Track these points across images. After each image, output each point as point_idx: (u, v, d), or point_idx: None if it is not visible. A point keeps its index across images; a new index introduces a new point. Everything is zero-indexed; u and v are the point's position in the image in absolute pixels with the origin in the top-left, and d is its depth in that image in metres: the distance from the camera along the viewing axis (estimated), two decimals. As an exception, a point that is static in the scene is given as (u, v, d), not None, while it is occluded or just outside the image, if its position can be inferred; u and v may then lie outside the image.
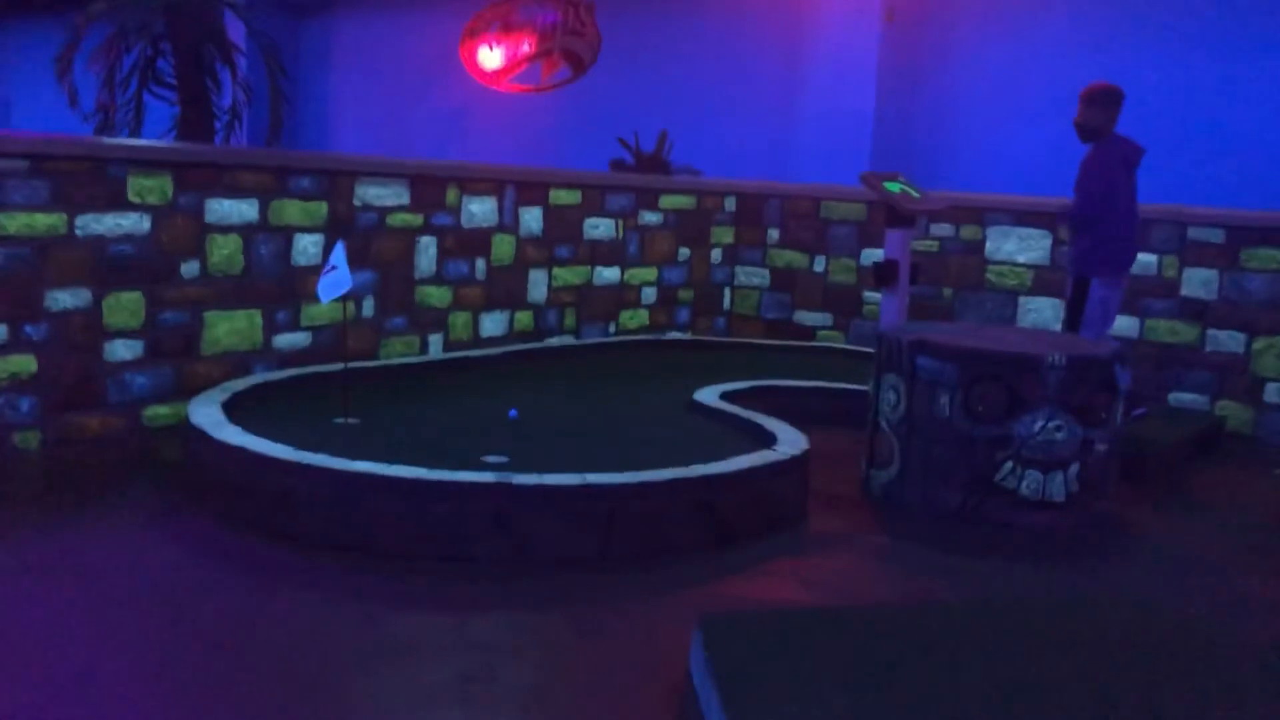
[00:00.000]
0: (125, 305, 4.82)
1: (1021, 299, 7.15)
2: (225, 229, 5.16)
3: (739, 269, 8.36)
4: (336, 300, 4.73)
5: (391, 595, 3.50)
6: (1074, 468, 4.49)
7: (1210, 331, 6.51)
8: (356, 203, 5.72)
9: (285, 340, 5.47)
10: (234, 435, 4.16)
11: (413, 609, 3.41)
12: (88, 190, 4.66)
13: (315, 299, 4.98)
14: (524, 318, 6.76)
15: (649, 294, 7.65)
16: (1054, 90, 8.54)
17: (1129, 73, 7.05)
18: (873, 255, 7.34)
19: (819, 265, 8.01)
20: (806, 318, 8.06)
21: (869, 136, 9.40)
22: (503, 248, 6.55)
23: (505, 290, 6.61)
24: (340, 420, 4.68)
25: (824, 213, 7.98)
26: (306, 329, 5.55)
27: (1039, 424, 4.43)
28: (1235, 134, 8.13)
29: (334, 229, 5.58)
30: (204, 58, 10.19)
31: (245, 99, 10.84)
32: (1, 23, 17.80)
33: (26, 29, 16.97)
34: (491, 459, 4.21)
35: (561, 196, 6.89)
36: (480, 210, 6.39)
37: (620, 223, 7.33)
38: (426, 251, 6.12)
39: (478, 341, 6.48)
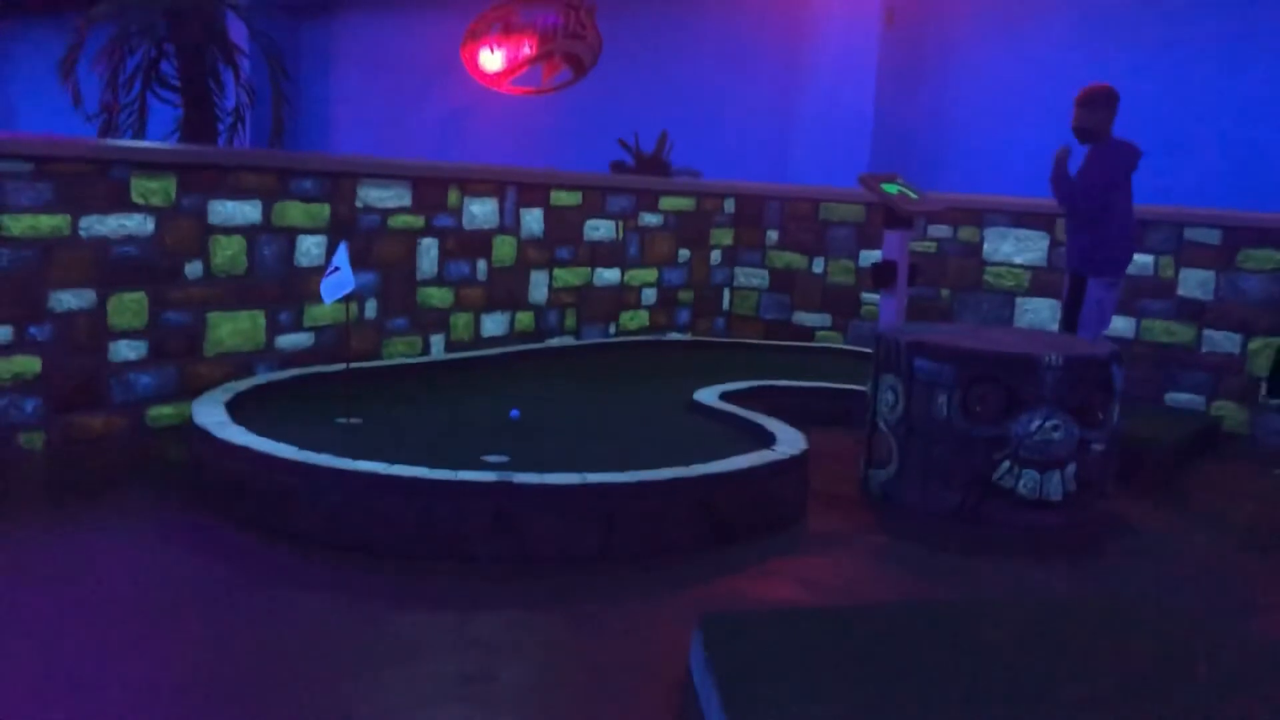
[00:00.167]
0: (129, 306, 4.85)
1: (1019, 300, 7.18)
2: (228, 230, 5.19)
3: (738, 270, 8.39)
4: (339, 301, 4.75)
5: (393, 594, 3.52)
6: (1071, 467, 4.51)
7: (1207, 332, 6.54)
8: (359, 204, 5.75)
9: (288, 341, 5.49)
10: (237, 435, 4.18)
11: (414, 608, 3.43)
12: (91, 192, 4.69)
13: (318, 300, 5.00)
14: (525, 318, 6.79)
15: (649, 295, 7.68)
16: (1053, 92, 8.55)
17: (1127, 74, 7.08)
18: (871, 256, 7.36)
19: (818, 266, 8.03)
20: (805, 318, 8.09)
21: (868, 138, 9.42)
22: (504, 249, 6.57)
23: (506, 291, 6.63)
24: (342, 420, 4.71)
25: (823, 214, 8.00)
26: (309, 329, 5.57)
27: (1036, 424, 4.46)
28: (1232, 135, 8.15)
29: (336, 230, 5.61)
30: (207, 59, 10.21)
31: (248, 100, 10.86)
32: (5, 25, 17.81)
33: (30, 31, 16.98)
34: (492, 459, 4.24)
35: (562, 198, 6.92)
36: (481, 212, 6.42)
37: (620, 224, 7.36)
38: (428, 253, 6.15)
39: (479, 342, 6.51)
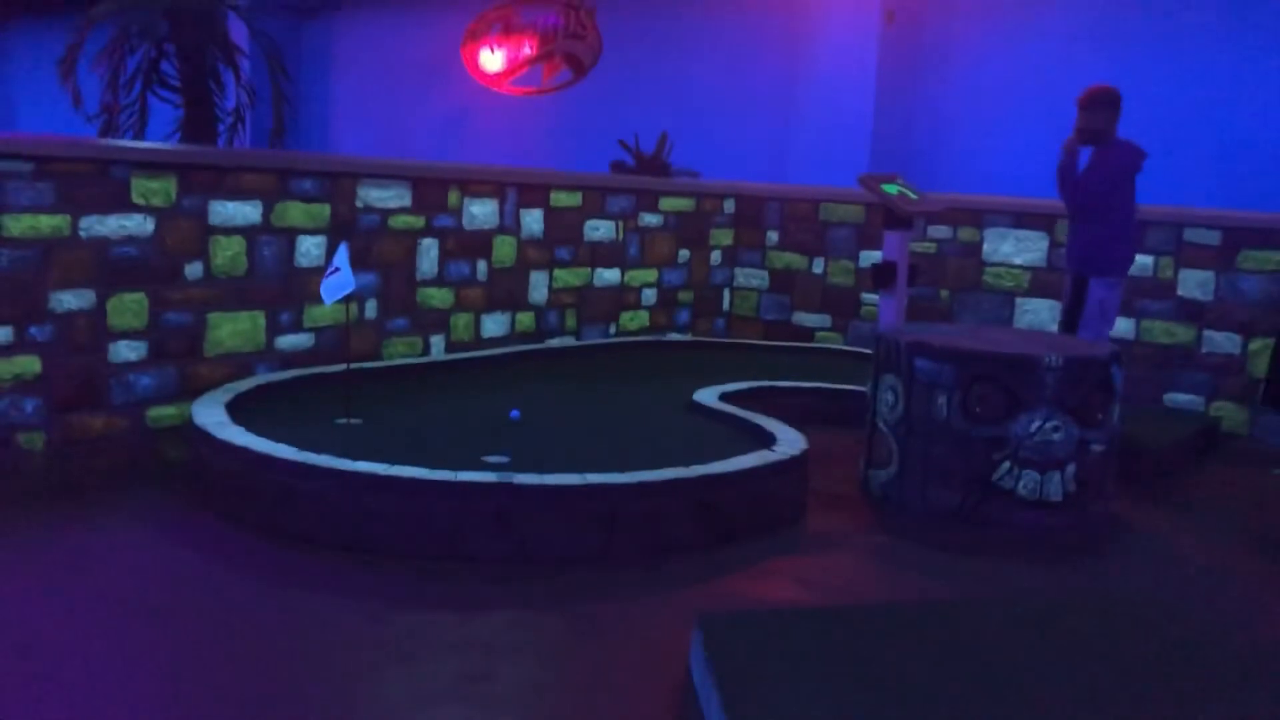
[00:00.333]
0: (129, 306, 4.86)
1: (1018, 300, 7.18)
2: (228, 231, 5.19)
3: (738, 270, 8.39)
4: (339, 301, 4.75)
5: (393, 595, 3.53)
6: (1071, 468, 4.52)
7: (1206, 332, 6.54)
8: (359, 204, 5.75)
9: (288, 341, 5.50)
10: (237, 436, 4.18)
11: (414, 608, 3.43)
12: (91, 192, 4.69)
13: (318, 300, 5.01)
14: (525, 319, 6.79)
15: (649, 295, 7.68)
16: (1053, 92, 8.56)
17: (1127, 73, 7.07)
18: (871, 257, 7.37)
19: (818, 267, 8.04)
20: (805, 319, 8.09)
21: (868, 138, 9.42)
22: (504, 249, 6.58)
23: (506, 291, 6.64)
24: (343, 421, 4.71)
25: (823, 215, 8.00)
26: (309, 330, 5.58)
27: (1036, 424, 4.46)
28: (1232, 135, 8.15)
29: (336, 231, 5.61)
30: (207, 60, 10.22)
31: (248, 101, 10.86)
32: (5, 24, 17.82)
33: (30, 31, 16.99)
34: (493, 459, 4.24)
35: (562, 198, 6.92)
36: (481, 212, 6.42)
37: (620, 224, 7.36)
38: (428, 253, 6.15)
39: (479, 342, 6.51)
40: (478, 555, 3.78)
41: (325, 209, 5.58)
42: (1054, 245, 6.99)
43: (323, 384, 5.23)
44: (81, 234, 4.67)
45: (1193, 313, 6.58)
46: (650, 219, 7.60)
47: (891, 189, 6.02)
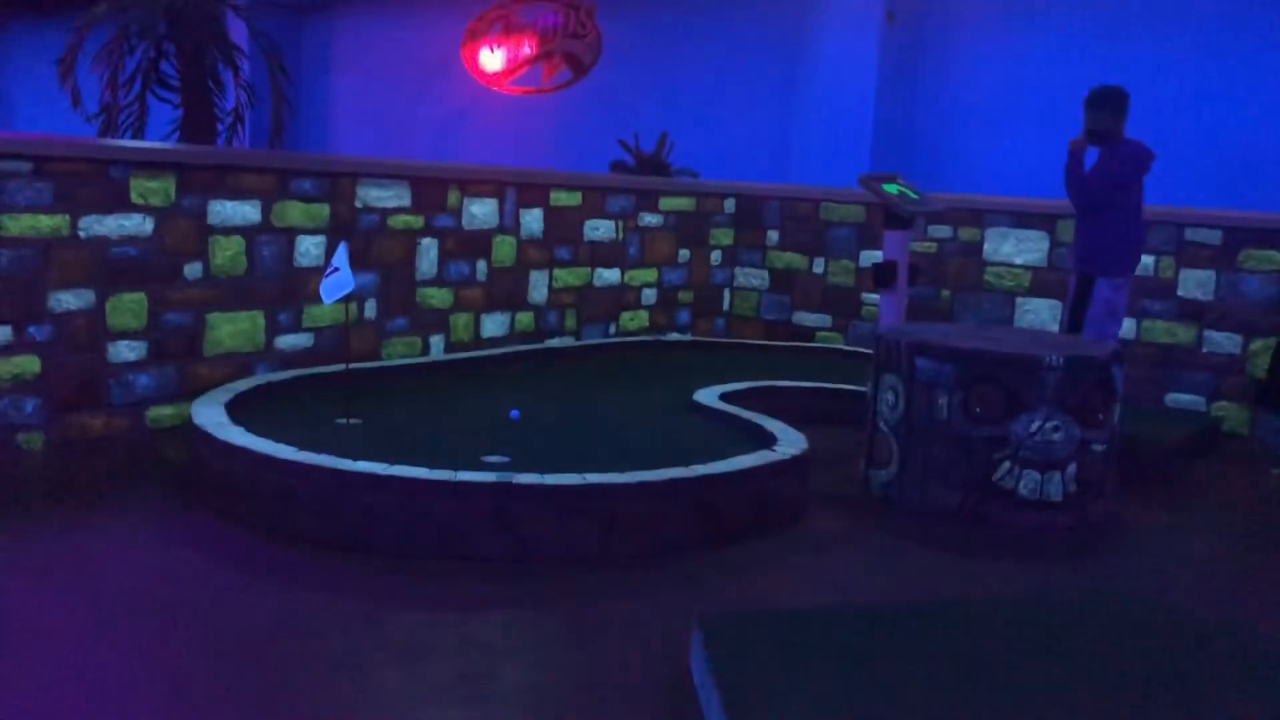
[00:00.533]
0: (128, 306, 4.85)
1: (1019, 300, 7.18)
2: (228, 230, 5.19)
3: (738, 270, 8.38)
4: (338, 301, 4.75)
5: (392, 595, 3.52)
6: (1071, 468, 4.51)
7: (1207, 332, 6.53)
8: (358, 204, 5.75)
9: (287, 341, 5.49)
10: (237, 436, 4.18)
11: (413, 608, 3.43)
12: (91, 192, 4.69)
13: (317, 300, 5.01)
14: (525, 319, 6.79)
15: (649, 295, 7.68)
16: (1054, 91, 8.57)
17: (1128, 73, 7.06)
18: (872, 257, 7.36)
19: (818, 267, 8.03)
20: (806, 319, 8.09)
21: (869, 138, 9.42)
22: (503, 249, 6.57)
23: (506, 291, 6.63)
24: (342, 421, 4.71)
25: (823, 214, 8.00)
26: (309, 330, 5.57)
27: (1037, 424, 4.45)
28: (1233, 135, 8.15)
29: (336, 230, 5.61)
30: (207, 59, 10.20)
31: (248, 100, 10.85)
32: (4, 24, 17.82)
33: (29, 30, 16.99)
34: (492, 459, 4.24)
35: (562, 198, 6.92)
36: (481, 212, 6.42)
37: (620, 224, 7.36)
38: (428, 253, 6.14)
39: (479, 342, 6.51)
40: (477, 555, 3.78)
41: (325, 209, 5.58)
42: (1055, 245, 6.99)
43: (322, 384, 5.22)
44: (81, 234, 4.66)
45: (1193, 312, 6.57)
46: (650, 219, 7.60)
47: (892, 188, 6.02)
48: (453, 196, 6.24)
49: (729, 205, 8.29)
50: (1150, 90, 7.89)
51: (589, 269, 7.16)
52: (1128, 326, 6.69)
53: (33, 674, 2.86)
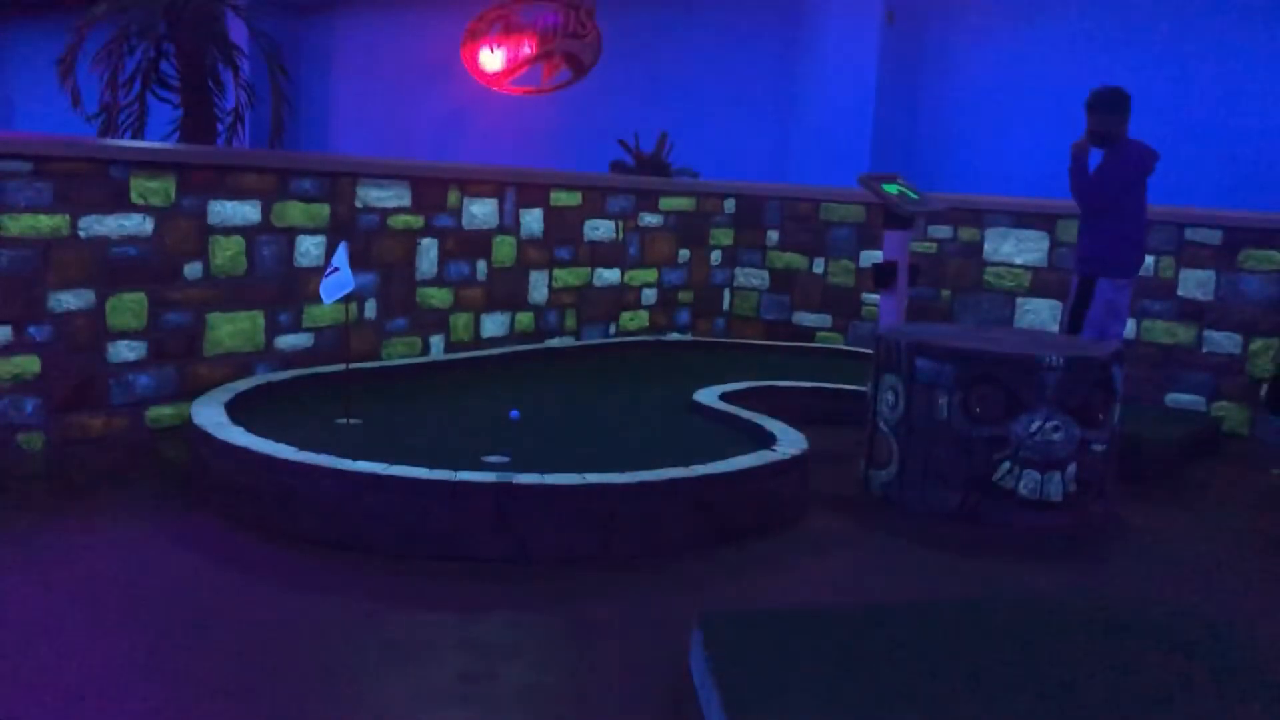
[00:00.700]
0: (128, 306, 4.85)
1: (1019, 300, 7.18)
2: (228, 230, 5.19)
3: (738, 270, 8.38)
4: (338, 301, 4.75)
5: (392, 595, 3.52)
6: (1071, 468, 4.51)
7: (1207, 333, 6.53)
8: (358, 204, 5.75)
9: (287, 341, 5.49)
10: (237, 436, 4.18)
11: (413, 608, 3.43)
12: (91, 192, 4.69)
13: (317, 300, 5.01)
14: (525, 319, 6.79)
15: (649, 295, 7.68)
16: (1054, 91, 8.57)
17: (1128, 73, 7.07)
18: (872, 257, 7.36)
19: (818, 267, 8.03)
20: (806, 319, 8.08)
21: (869, 137, 9.42)
22: (503, 249, 6.57)
23: (506, 291, 6.63)
24: (342, 421, 4.71)
25: (823, 214, 8.00)
26: (309, 330, 5.57)
27: (1037, 424, 4.45)
28: (1233, 135, 8.15)
29: (336, 230, 5.61)
30: (207, 59, 10.21)
31: (248, 101, 10.86)
32: (4, 24, 17.83)
33: (29, 30, 17.00)
34: (492, 459, 4.24)
35: (562, 198, 6.92)
36: (481, 212, 6.42)
37: (620, 224, 7.36)
38: (428, 253, 6.14)
39: (479, 342, 6.50)
40: (477, 555, 3.78)
41: (325, 209, 5.58)
42: (1055, 245, 6.99)
43: (322, 384, 5.22)
44: (80, 234, 4.66)
45: (1193, 313, 6.57)
46: (650, 219, 7.60)
47: (892, 188, 6.01)
48: (453, 196, 6.24)
49: (729, 205, 8.28)
50: (1151, 90, 7.91)
51: (589, 269, 7.16)
52: (1129, 326, 6.68)
53: (32, 674, 2.86)
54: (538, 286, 6.84)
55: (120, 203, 4.79)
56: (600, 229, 7.20)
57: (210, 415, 4.44)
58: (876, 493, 4.84)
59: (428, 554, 3.77)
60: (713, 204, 8.16)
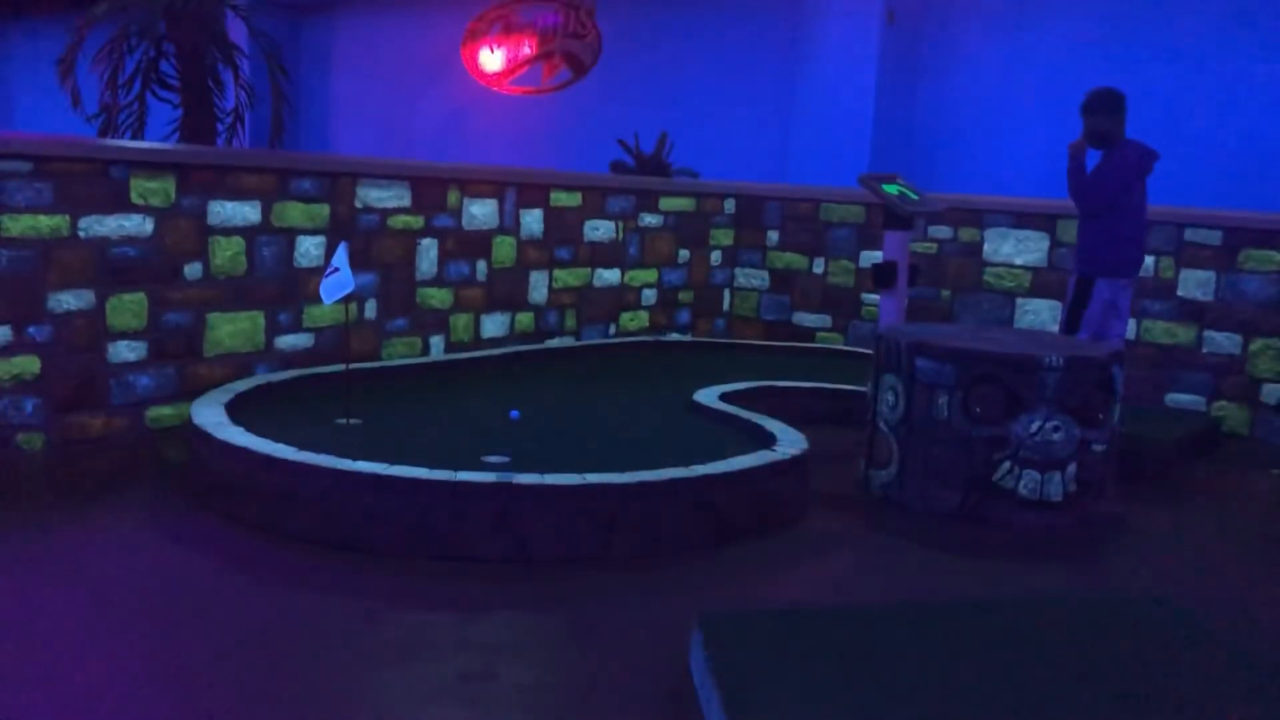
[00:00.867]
0: (128, 306, 4.85)
1: (1019, 300, 7.18)
2: (228, 231, 5.19)
3: (738, 271, 8.38)
4: (338, 301, 4.75)
5: (392, 595, 3.52)
6: (1071, 468, 4.51)
7: (1207, 333, 6.53)
8: (358, 204, 5.75)
9: (287, 341, 5.49)
10: (237, 436, 4.18)
11: (413, 608, 3.43)
12: (90, 192, 4.69)
13: (317, 300, 5.01)
14: (525, 319, 6.79)
15: (649, 295, 7.68)
16: (1054, 92, 8.57)
17: (1127, 74, 7.08)
18: (872, 257, 7.36)
19: (818, 267, 8.03)
20: (806, 319, 8.09)
21: (869, 138, 9.43)
22: (503, 249, 6.57)
23: (506, 292, 6.63)
24: (342, 421, 4.71)
25: (823, 215, 8.00)
26: (309, 330, 5.57)
27: (1037, 424, 4.45)
28: (1233, 135, 8.16)
29: (336, 231, 5.61)
30: (206, 59, 10.21)
31: (247, 101, 10.86)
32: (3, 24, 17.82)
33: (29, 30, 17.00)
34: (492, 459, 4.24)
35: (562, 198, 6.92)
36: (481, 212, 6.42)
37: (620, 224, 7.36)
38: (428, 253, 6.14)
39: (479, 343, 6.51)
40: (478, 555, 3.78)
41: (325, 209, 5.58)
42: (1055, 245, 6.99)
43: (322, 384, 5.22)
44: (81, 234, 4.66)
45: (1193, 313, 6.57)
46: (650, 219, 7.60)
47: (892, 188, 6.01)
48: (453, 196, 6.24)
49: (729, 205, 8.29)
50: (1150, 90, 7.91)
51: (589, 269, 7.16)
52: (1129, 326, 6.68)
53: (33, 674, 2.86)
54: (538, 287, 6.84)
55: (120, 203, 4.79)
56: (600, 229, 7.20)
57: (210, 415, 4.44)
58: (876, 493, 4.84)
59: (428, 554, 3.77)
60: (713, 204, 8.16)
